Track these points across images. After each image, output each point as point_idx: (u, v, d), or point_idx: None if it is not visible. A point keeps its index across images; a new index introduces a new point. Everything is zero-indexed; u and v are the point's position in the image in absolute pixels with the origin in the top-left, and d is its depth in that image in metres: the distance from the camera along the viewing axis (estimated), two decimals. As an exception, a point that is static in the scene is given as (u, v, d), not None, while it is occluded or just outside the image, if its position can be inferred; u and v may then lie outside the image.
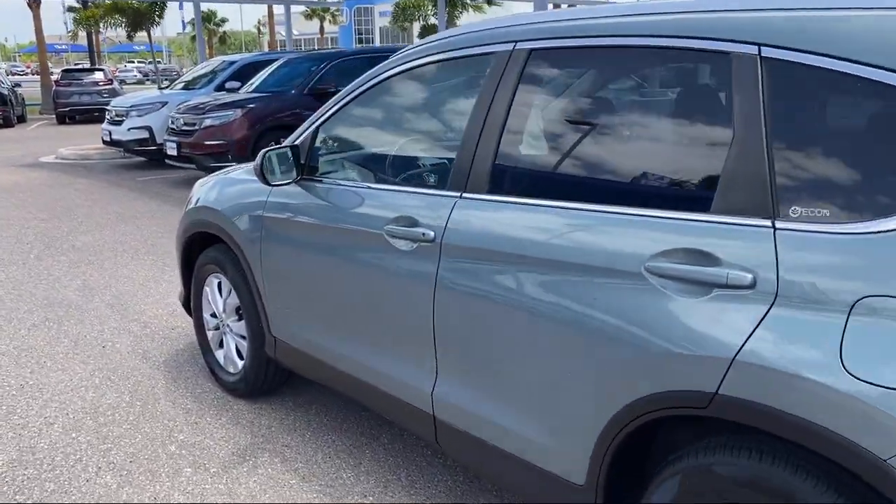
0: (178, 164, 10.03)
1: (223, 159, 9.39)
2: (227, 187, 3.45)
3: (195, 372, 3.94)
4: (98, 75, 21.55)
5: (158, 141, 11.01)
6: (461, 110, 2.51)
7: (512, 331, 2.10)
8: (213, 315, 3.73)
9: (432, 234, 2.32)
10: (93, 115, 19.39)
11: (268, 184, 2.89)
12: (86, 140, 14.78)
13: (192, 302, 3.83)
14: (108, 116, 12.09)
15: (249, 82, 10.83)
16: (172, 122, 10.06)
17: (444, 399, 2.37)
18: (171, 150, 9.86)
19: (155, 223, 7.69)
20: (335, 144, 3.10)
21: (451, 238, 2.28)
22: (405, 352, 2.49)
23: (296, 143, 2.95)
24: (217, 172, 3.82)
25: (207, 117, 9.52)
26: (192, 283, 3.80)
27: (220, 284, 3.62)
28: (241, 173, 3.47)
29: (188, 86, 12.56)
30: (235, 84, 11.29)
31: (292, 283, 3.00)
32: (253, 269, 3.21)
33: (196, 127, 9.56)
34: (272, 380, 3.49)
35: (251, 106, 9.63)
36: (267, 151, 2.86)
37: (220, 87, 11.63)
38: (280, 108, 9.71)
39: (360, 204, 2.67)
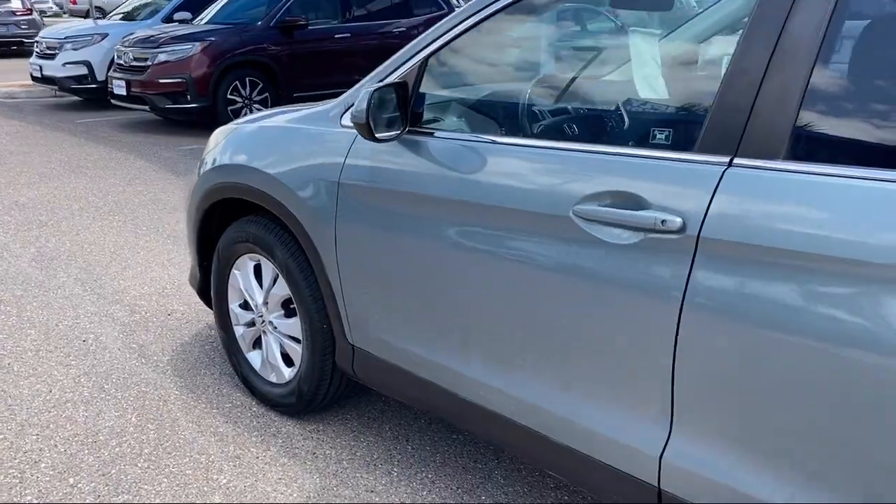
0: (126, 105, 8.79)
1: (181, 100, 8.28)
2: (278, 141, 2.54)
3: (216, 377, 3.06)
4: (14, 3, 19.42)
5: (99, 78, 9.72)
6: (699, 31, 1.69)
7: (829, 378, 1.35)
8: (245, 306, 2.85)
9: (679, 221, 1.52)
10: (10, 48, 17.53)
11: (373, 137, 2.02)
12: (6, 75, 13.14)
13: (213, 288, 2.93)
14: (37, 49, 10.61)
15: (202, 14, 9.58)
16: (119, 57, 8.79)
17: (684, 465, 1.60)
18: (119, 88, 8.62)
19: (111, 174, 6.58)
20: (452, 84, 2.23)
21: (717, 229, 1.48)
22: (609, 392, 1.71)
23: (400, 80, 2.07)
24: (248, 118, 2.89)
25: (162, 52, 8.30)
26: (213, 264, 2.90)
27: (257, 268, 2.73)
28: (294, 120, 2.56)
29: (128, 17, 11.15)
30: (186, 15, 10.00)
31: (392, 279, 2.16)
32: (322, 255, 2.34)
33: (148, 63, 8.34)
34: (333, 395, 2.66)
35: (212, 39, 8.43)
36: (377, 90, 1.98)
37: (167, 19, 10.31)
38: (244, 43, 8.55)
39: (524, 171, 1.83)
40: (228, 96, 8.44)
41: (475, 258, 1.90)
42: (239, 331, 2.89)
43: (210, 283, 3.02)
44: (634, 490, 1.69)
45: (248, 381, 2.88)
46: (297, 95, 9.13)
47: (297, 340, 2.63)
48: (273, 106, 8.79)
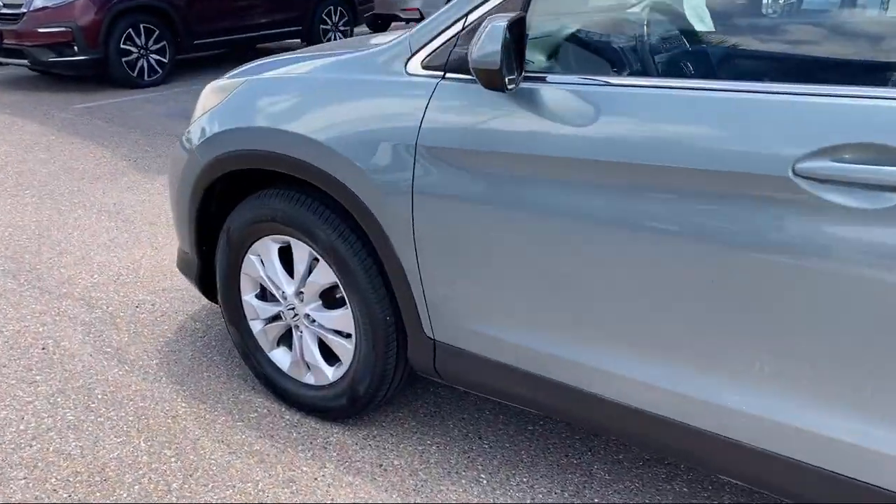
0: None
1: (67, 52, 7.31)
2: (317, 97, 2.06)
3: (224, 381, 2.59)
4: None
5: (-41, 29, 8.43)
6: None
7: None
8: (264, 297, 2.39)
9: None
10: None
11: (503, 86, 1.61)
12: None
13: (220, 278, 2.44)
14: None
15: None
16: (-15, 4, 7.62)
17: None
18: (-12, 40, 7.50)
19: (0, 141, 5.69)
20: (567, 13, 1.83)
21: None
22: (842, 392, 1.42)
23: (516, 15, 1.64)
24: (249, 69, 2.37)
25: (38, -4, 7.26)
26: (219, 249, 2.40)
27: (283, 252, 2.27)
28: (330, 69, 2.09)
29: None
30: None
31: (500, 261, 1.78)
32: (390, 235, 1.93)
33: (23, 10, 7.27)
34: (391, 395, 2.27)
35: (97, -19, 7.45)
36: (511, 24, 1.56)
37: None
38: (136, -16, 7.62)
39: (712, 123, 1.48)
40: (122, 46, 7.52)
41: (636, 233, 1.55)
42: (257, 326, 2.43)
43: (212, 272, 2.53)
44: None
45: (274, 383, 2.44)
46: (197, 43, 8.30)
47: (344, 335, 2.21)
48: (172, 57, 7.94)
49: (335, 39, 9.87)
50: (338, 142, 1.95)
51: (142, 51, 7.72)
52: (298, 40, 9.91)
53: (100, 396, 2.49)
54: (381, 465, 2.17)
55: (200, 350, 2.78)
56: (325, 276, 2.17)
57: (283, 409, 2.43)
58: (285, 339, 2.42)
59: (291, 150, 2.05)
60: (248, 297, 2.41)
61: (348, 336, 2.21)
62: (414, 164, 1.84)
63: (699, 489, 2.08)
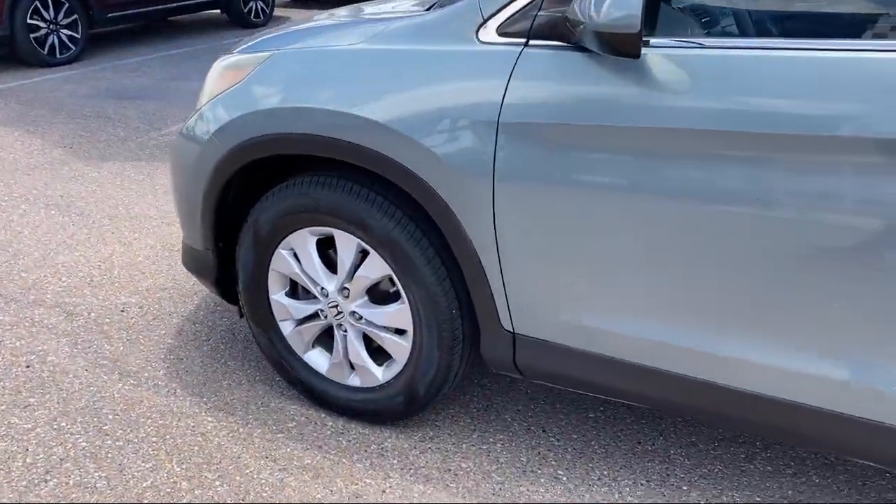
0: None
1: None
2: (369, 71, 1.84)
3: (248, 388, 2.36)
4: None
5: None
6: None
7: None
8: (297, 295, 2.18)
9: None
10: None
11: (636, 52, 1.44)
12: None
13: (243, 276, 2.20)
14: None
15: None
16: None
17: None
18: None
19: None
20: None
21: None
22: None
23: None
24: (277, 37, 2.12)
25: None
26: (243, 244, 2.16)
27: (322, 245, 2.06)
28: (380, 39, 1.87)
29: None
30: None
31: (608, 245, 1.63)
32: (463, 222, 1.75)
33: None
34: (448, 393, 2.10)
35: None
36: None
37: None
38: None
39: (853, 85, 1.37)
40: (29, 21, 6.89)
41: (782, 212, 1.43)
42: (288, 328, 2.21)
43: (229, 271, 2.28)
44: None
45: (311, 388, 2.23)
46: (111, 16, 7.72)
47: (398, 332, 2.02)
48: (84, 32, 7.34)
49: (256, 12, 9.38)
50: (401, 122, 1.75)
51: (51, 26, 7.10)
52: (218, 11, 9.38)
53: (111, 417, 2.22)
54: (449, 470, 2.01)
55: (209, 355, 2.53)
56: (376, 269, 1.97)
57: (324, 416, 2.23)
58: (320, 339, 2.21)
59: (340, 132, 1.83)
60: (278, 296, 2.18)
61: (402, 333, 2.02)
62: (496, 143, 1.66)
63: (782, 466, 2.02)
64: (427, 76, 1.76)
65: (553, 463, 2.04)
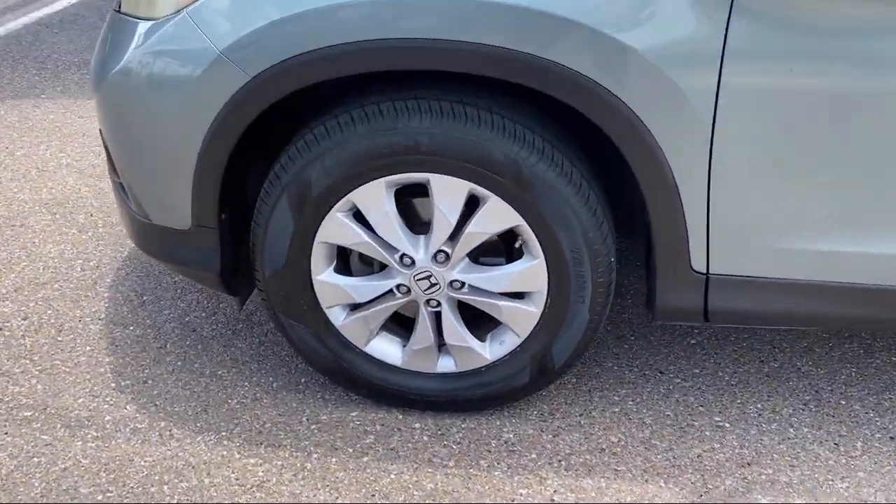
0: None
1: None
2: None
3: (299, 403, 1.74)
4: None
5: None
6: None
7: None
8: (350, 271, 1.59)
9: None
10: None
11: None
12: None
13: (268, 257, 1.54)
14: None
15: None
16: None
17: None
18: None
19: None
20: None
21: None
22: None
23: None
24: None
25: None
26: (264, 215, 1.50)
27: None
28: None
29: None
30: None
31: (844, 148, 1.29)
32: (666, 143, 1.31)
33: None
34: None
35: None
36: None
37: None
38: None
39: None
40: None
41: None
42: (339, 315, 1.61)
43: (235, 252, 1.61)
44: None
45: (381, 386, 1.68)
46: None
47: (514, 296, 1.54)
48: None
49: None
50: (578, 10, 1.22)
51: None
52: None
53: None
54: (601, 450, 1.62)
55: (216, 376, 1.83)
56: (498, 219, 1.46)
57: (403, 417, 1.70)
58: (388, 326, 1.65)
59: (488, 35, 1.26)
60: (326, 275, 1.57)
61: (520, 297, 1.54)
62: (727, 25, 1.21)
63: (904, 355, 1.91)
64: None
65: (702, 409, 1.74)
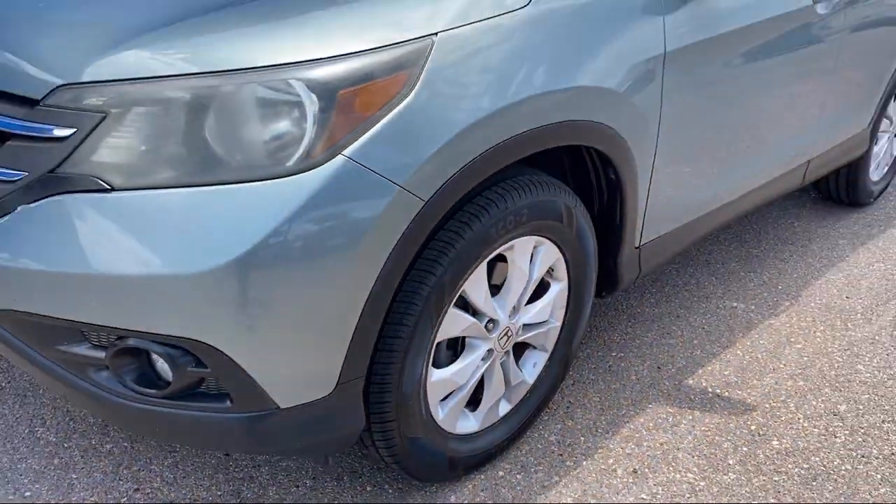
0: None
1: None
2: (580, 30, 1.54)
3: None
4: None
5: None
6: None
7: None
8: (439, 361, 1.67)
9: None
10: None
11: None
12: None
13: (410, 375, 1.49)
14: None
15: None
16: None
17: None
18: None
19: None
20: None
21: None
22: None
23: None
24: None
25: None
26: (411, 328, 1.47)
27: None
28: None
29: None
30: None
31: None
32: (637, 150, 1.80)
33: None
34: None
35: None
36: None
37: None
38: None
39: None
40: None
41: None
42: (442, 410, 1.66)
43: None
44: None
45: (469, 458, 1.77)
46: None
47: (541, 325, 1.86)
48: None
49: None
50: (603, 80, 1.63)
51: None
52: None
53: None
54: (673, 456, 2.08)
55: None
56: (547, 259, 1.75)
57: (504, 475, 1.83)
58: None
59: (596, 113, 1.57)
60: (435, 376, 1.60)
61: (543, 324, 1.87)
62: (663, 72, 1.78)
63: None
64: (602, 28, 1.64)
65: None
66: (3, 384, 2.06)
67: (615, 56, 1.63)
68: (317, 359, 1.33)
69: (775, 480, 1.85)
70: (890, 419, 2.08)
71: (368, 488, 1.76)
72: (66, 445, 1.85)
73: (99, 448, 1.85)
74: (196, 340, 1.24)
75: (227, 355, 1.25)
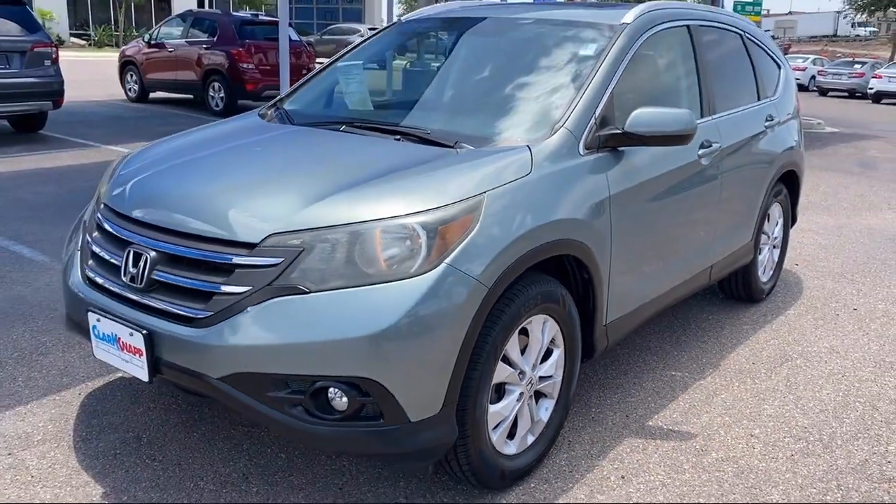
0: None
1: None
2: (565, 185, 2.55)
3: None
4: None
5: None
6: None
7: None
8: (501, 396, 2.52)
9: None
10: None
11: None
12: None
13: (469, 411, 2.34)
14: None
15: None
16: None
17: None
18: None
19: None
20: None
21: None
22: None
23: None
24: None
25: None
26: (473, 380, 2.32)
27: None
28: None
29: None
30: None
31: (643, 245, 3.06)
32: (599, 256, 2.77)
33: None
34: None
35: None
36: None
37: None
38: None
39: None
40: None
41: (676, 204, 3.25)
42: (496, 434, 2.49)
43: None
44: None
45: (514, 473, 2.58)
46: None
47: (549, 378, 2.73)
48: None
49: None
50: (575, 213, 2.62)
51: None
52: None
53: None
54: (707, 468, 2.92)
55: None
56: (551, 331, 2.66)
57: (535, 485, 2.63)
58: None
59: (574, 233, 2.55)
60: (495, 405, 2.45)
61: (550, 377, 2.74)
62: (610, 209, 2.79)
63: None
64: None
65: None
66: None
67: (582, 199, 2.63)
68: (431, 388, 2.17)
69: (716, 476, 2.71)
70: (789, 436, 2.99)
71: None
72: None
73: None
74: (367, 378, 2.08)
75: (384, 386, 2.09)
